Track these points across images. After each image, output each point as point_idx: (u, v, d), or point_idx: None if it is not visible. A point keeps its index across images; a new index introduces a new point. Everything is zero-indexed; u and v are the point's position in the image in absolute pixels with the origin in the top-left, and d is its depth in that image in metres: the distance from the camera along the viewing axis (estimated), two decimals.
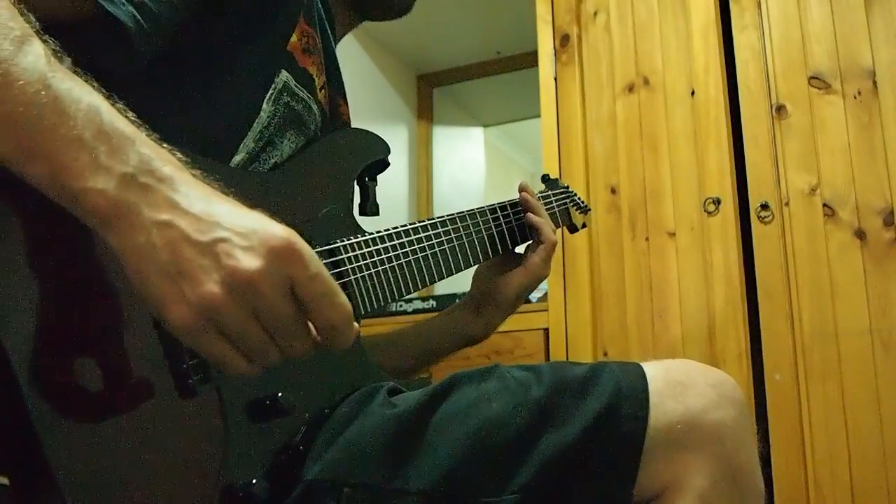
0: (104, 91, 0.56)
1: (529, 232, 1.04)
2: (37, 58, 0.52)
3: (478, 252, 0.97)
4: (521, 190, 1.05)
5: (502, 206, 1.03)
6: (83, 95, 0.53)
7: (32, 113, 0.51)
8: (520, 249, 1.05)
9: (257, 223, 0.54)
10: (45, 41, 0.54)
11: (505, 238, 1.02)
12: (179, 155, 0.57)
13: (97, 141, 0.52)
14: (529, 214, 1.03)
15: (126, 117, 0.55)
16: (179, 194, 0.53)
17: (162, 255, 0.52)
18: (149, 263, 0.52)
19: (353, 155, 0.89)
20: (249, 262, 0.52)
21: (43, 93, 0.51)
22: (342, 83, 0.99)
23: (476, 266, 1.00)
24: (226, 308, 0.52)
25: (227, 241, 0.53)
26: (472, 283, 1.05)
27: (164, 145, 0.57)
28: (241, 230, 0.53)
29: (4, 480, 0.53)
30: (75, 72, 0.55)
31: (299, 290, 0.54)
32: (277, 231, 0.54)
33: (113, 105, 0.55)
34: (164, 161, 0.54)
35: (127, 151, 0.53)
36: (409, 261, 0.86)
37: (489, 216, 1.00)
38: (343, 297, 0.56)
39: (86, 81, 0.55)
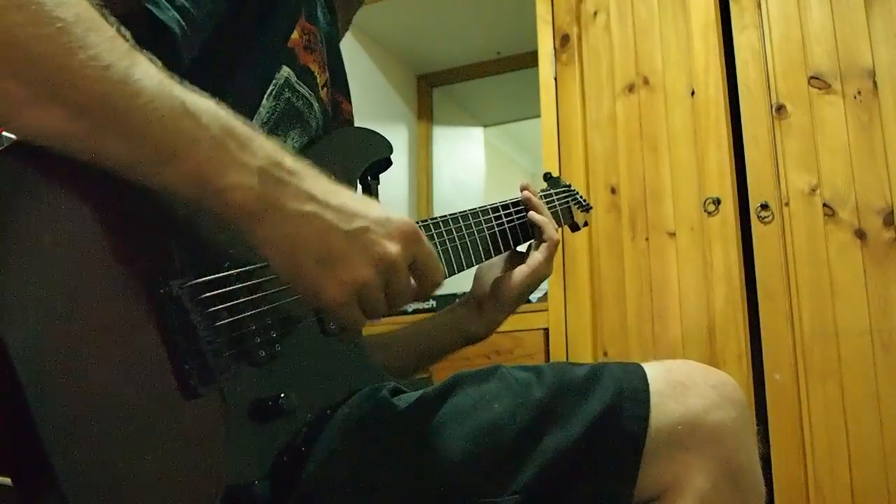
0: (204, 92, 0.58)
1: (532, 231, 1.03)
2: (148, 66, 0.54)
3: (479, 251, 0.97)
4: (522, 189, 1.05)
5: (504, 205, 1.03)
6: (197, 98, 0.57)
7: (166, 117, 0.54)
8: (521, 248, 1.05)
9: (386, 212, 0.65)
10: (140, 51, 0.55)
11: (507, 237, 1.01)
12: (285, 146, 0.63)
13: (227, 138, 0.57)
14: (532, 213, 1.03)
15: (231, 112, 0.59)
16: (313, 187, 0.61)
17: (313, 245, 0.60)
18: (301, 252, 0.60)
19: (355, 154, 0.89)
20: (392, 247, 0.64)
21: (168, 98, 0.54)
22: (346, 81, 0.98)
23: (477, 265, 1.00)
24: (374, 285, 0.63)
25: (370, 231, 0.63)
26: (474, 283, 1.04)
27: (269, 137, 0.61)
28: (377, 219, 0.64)
29: (6, 481, 0.53)
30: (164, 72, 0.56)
31: (420, 264, 0.68)
32: (404, 218, 0.66)
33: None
34: (284, 153, 0.61)
35: (253, 147, 0.58)
36: None
37: (491, 215, 1.00)
38: (441, 268, 0.71)
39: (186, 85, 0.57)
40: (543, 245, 1.01)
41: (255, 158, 0.58)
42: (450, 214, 0.94)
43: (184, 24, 0.66)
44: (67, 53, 0.50)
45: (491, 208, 1.01)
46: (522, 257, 1.02)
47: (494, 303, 1.00)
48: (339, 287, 0.62)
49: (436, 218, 0.92)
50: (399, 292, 0.66)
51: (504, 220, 1.02)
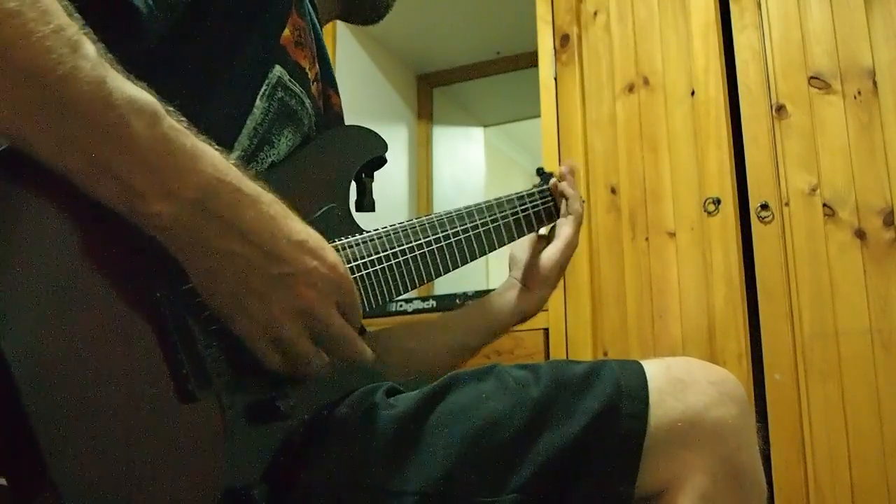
0: (154, 93, 0.56)
1: (546, 215, 1.10)
2: (93, 64, 0.52)
3: (503, 236, 1.03)
4: (565, 166, 1.13)
5: (530, 194, 1.09)
6: (143, 104, 0.54)
7: (101, 131, 0.52)
8: (543, 231, 1.13)
9: (314, 261, 0.64)
10: (92, 40, 0.54)
11: (531, 221, 1.08)
12: (232, 158, 0.61)
13: (162, 160, 0.55)
14: (564, 184, 1.10)
15: (179, 121, 0.57)
16: (245, 223, 0.60)
17: (231, 280, 0.60)
18: (218, 285, 0.60)
19: (350, 153, 0.89)
20: (310, 296, 0.63)
21: (106, 108, 0.52)
22: (332, 73, 0.99)
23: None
24: (286, 327, 0.63)
25: (291, 276, 0.62)
26: (513, 268, 1.11)
27: (216, 147, 0.60)
28: (302, 268, 0.63)
29: (2, 481, 0.52)
30: (119, 71, 0.55)
31: (342, 309, 0.67)
32: (329, 271, 0.65)
33: (166, 109, 0.56)
34: (225, 182, 0.59)
35: (191, 170, 0.57)
36: (408, 258, 0.86)
37: (516, 203, 1.05)
38: (359, 313, 0.71)
39: (135, 83, 0.55)
40: (571, 218, 1.08)
41: (187, 188, 0.56)
42: (475, 204, 1.00)
43: (151, 2, 0.65)
44: (2, 49, 0.49)
45: (517, 197, 1.07)
46: (548, 238, 1.10)
47: (540, 279, 1.07)
48: (252, 321, 0.62)
49: (460, 209, 0.97)
50: (327, 337, 0.67)
51: (529, 205, 1.08)
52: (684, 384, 0.68)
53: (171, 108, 0.57)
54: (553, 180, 1.11)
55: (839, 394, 1.65)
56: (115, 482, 0.54)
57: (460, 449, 0.67)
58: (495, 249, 1.03)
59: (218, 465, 0.62)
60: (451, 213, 0.96)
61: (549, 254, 1.07)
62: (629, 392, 0.67)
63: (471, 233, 0.97)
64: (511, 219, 1.05)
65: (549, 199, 1.12)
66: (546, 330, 2.02)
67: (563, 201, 1.09)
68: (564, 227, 1.08)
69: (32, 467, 0.51)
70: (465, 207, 1.00)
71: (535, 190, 1.11)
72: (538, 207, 1.09)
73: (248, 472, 0.65)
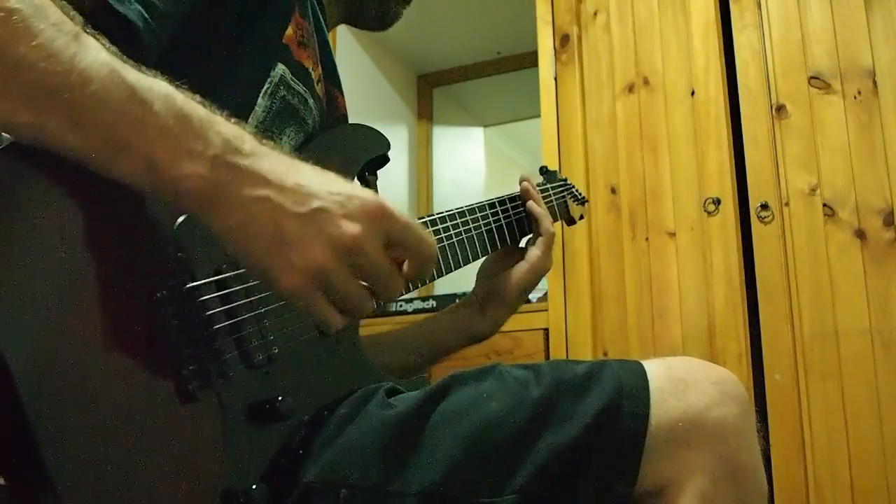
0: (161, 74, 0.57)
1: (527, 223, 1.03)
2: (98, 51, 0.53)
3: (476, 248, 0.97)
4: (522, 180, 1.05)
5: (501, 201, 1.03)
6: (152, 82, 0.55)
7: (114, 106, 0.52)
8: (522, 243, 1.05)
9: (348, 189, 0.59)
10: (93, 35, 0.54)
11: (504, 233, 1.02)
12: (247, 126, 0.60)
13: (181, 127, 0.55)
14: (530, 204, 1.03)
15: (192, 97, 0.57)
16: (268, 169, 0.57)
17: (265, 230, 0.56)
18: (253, 238, 0.57)
19: (353, 151, 0.89)
20: (351, 227, 0.58)
21: (118, 85, 0.52)
22: (338, 75, 0.98)
23: (479, 262, 1.00)
24: (334, 269, 0.58)
25: (326, 211, 0.58)
26: (477, 282, 1.05)
27: (232, 120, 0.59)
28: (336, 199, 0.58)
29: (1, 481, 0.52)
30: (126, 61, 0.55)
31: (398, 241, 0.61)
32: (368, 196, 0.60)
33: (177, 87, 0.57)
34: (244, 138, 0.58)
35: (209, 133, 0.56)
36: None
37: (488, 211, 1.00)
38: (430, 237, 0.64)
39: (142, 70, 0.55)
40: (540, 239, 1.01)
41: (209, 146, 0.55)
42: (447, 211, 0.94)
43: (147, 16, 0.65)
44: (8, 43, 0.49)
45: (488, 204, 1.01)
46: (522, 254, 1.02)
47: (497, 302, 1.00)
48: (295, 274, 0.57)
49: (433, 214, 0.92)
50: (376, 276, 0.61)
51: (501, 216, 1.01)
52: (685, 384, 0.68)
53: (182, 86, 0.58)
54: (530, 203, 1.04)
55: (839, 394, 1.65)
56: (115, 483, 0.54)
57: (460, 449, 0.66)
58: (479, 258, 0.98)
59: (218, 465, 0.62)
60: (453, 210, 0.95)
61: (513, 275, 0.99)
62: (630, 392, 0.67)
63: (473, 232, 0.96)
64: (514, 218, 1.02)
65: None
66: (546, 330, 2.02)
67: (534, 221, 1.02)
68: (532, 249, 1.00)
69: (32, 468, 0.51)
70: (479, 203, 0.97)
71: (537, 187, 1.06)
72: (520, 215, 1.04)
73: (248, 473, 0.65)
